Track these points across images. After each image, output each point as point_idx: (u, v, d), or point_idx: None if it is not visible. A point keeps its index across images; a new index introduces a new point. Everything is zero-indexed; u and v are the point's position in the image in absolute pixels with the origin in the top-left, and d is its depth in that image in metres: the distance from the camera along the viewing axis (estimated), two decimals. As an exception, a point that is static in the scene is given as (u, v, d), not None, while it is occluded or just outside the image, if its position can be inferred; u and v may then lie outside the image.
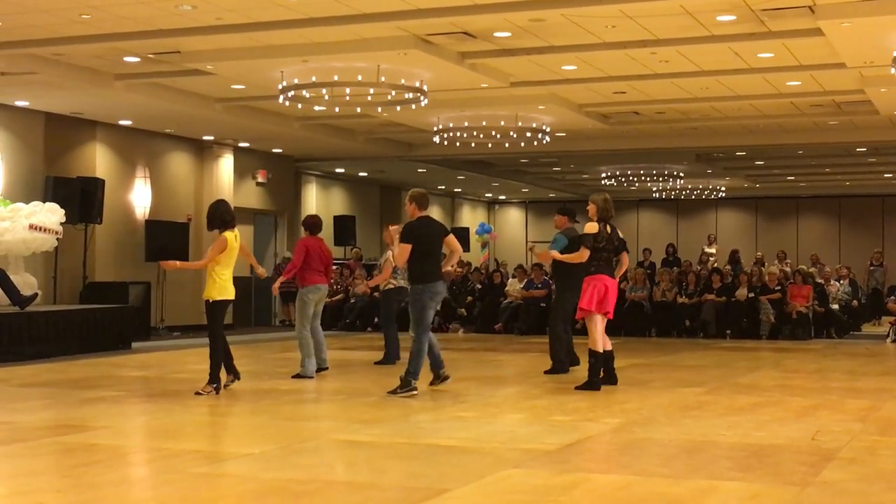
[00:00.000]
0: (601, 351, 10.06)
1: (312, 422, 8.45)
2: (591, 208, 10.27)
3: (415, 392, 9.54)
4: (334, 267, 20.48)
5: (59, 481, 5.86)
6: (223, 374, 9.83)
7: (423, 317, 9.64)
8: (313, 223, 11.64)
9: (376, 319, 18.98)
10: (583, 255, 10.12)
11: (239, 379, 10.05)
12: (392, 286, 12.92)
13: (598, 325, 10.05)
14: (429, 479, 5.86)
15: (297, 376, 11.01)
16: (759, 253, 24.26)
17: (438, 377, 10.09)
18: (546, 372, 11.54)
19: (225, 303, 9.81)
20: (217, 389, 9.65)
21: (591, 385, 10.01)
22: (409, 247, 9.61)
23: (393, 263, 12.77)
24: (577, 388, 10.08)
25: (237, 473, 6.08)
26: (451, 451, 6.75)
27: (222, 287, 9.72)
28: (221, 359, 9.78)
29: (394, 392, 9.55)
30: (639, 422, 8.07)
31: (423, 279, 9.63)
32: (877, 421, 8.24)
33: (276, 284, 12.03)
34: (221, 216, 9.85)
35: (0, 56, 13.09)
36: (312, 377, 10.99)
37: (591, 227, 10.18)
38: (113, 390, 10.00)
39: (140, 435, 7.84)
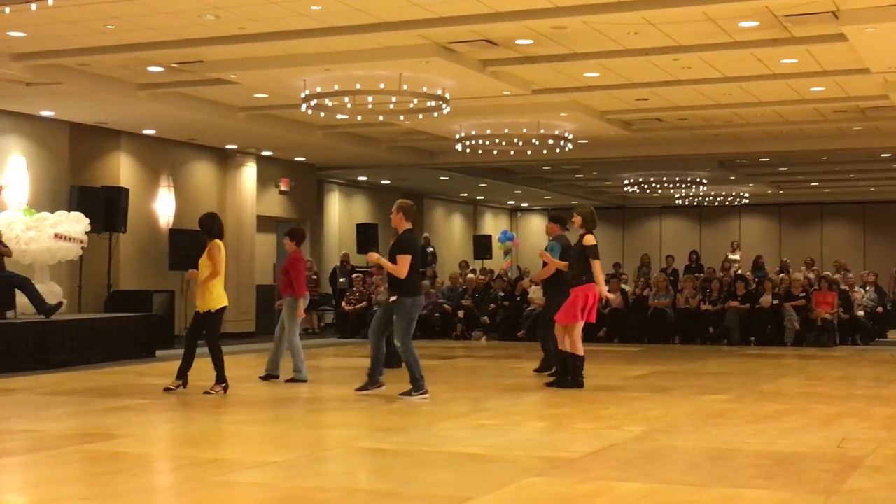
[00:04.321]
0: (582, 354, 10.68)
1: (335, 430, 8.47)
2: (577, 220, 10.82)
3: (426, 394, 9.82)
4: (357, 275, 20.64)
5: (85, 489, 5.90)
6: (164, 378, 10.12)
7: (411, 328, 9.88)
8: (301, 234, 11.82)
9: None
10: (596, 266, 10.59)
11: (185, 387, 10.35)
12: None
13: (579, 330, 10.62)
14: (452, 488, 5.85)
15: (292, 380, 11.24)
16: (785, 259, 24.12)
17: (376, 383, 10.18)
18: (537, 371, 12.28)
19: (222, 311, 10.33)
20: (225, 389, 10.18)
21: (576, 383, 10.62)
22: (409, 257, 9.77)
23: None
24: (549, 385, 10.84)
25: (260, 481, 6.09)
26: (474, 460, 6.75)
27: (219, 296, 10.25)
28: (223, 359, 10.26)
29: (407, 394, 9.83)
30: (662, 429, 8.04)
31: (412, 292, 9.85)
32: (903, 429, 8.18)
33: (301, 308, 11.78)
34: (220, 226, 10.42)
35: (26, 66, 13.19)
36: (306, 380, 11.26)
37: (591, 240, 10.68)
38: (137, 399, 10.05)
39: (164, 443, 7.87)
